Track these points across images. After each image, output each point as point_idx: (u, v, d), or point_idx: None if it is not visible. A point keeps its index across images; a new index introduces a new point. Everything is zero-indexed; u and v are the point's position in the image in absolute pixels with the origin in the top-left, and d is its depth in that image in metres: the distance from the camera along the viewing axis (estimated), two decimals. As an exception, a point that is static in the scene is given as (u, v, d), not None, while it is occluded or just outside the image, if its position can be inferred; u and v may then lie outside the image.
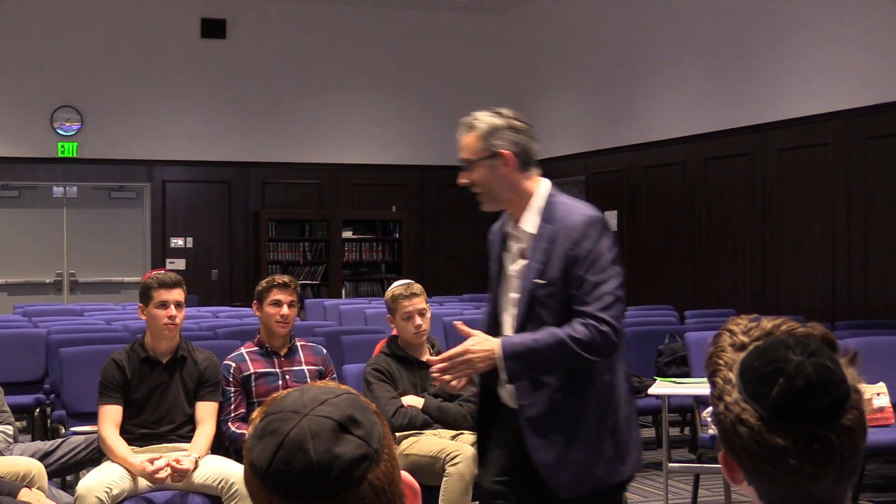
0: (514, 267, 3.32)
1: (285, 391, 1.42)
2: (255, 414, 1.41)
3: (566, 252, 3.17)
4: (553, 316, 3.18)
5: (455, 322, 3.32)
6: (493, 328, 3.37)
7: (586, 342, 3.10)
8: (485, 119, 3.30)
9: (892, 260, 8.94)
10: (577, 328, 3.11)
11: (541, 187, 3.32)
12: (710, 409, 1.42)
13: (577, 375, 3.20)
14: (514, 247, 3.34)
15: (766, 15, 10.35)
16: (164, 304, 4.69)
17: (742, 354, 1.46)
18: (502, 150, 3.26)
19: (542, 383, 3.22)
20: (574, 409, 3.20)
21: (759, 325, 1.49)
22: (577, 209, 3.25)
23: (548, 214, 3.26)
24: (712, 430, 5.59)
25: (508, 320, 3.32)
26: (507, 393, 3.33)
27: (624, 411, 3.24)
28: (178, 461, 4.37)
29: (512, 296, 3.32)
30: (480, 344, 3.17)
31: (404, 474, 1.42)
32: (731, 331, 1.51)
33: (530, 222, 3.28)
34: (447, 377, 3.22)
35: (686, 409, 7.64)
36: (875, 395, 5.71)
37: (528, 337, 3.16)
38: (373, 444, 1.35)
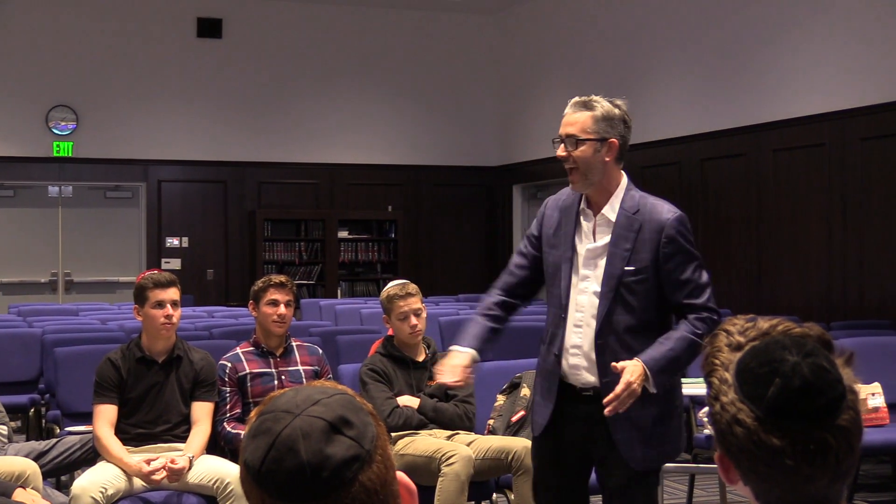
0: (590, 247, 3.51)
1: (281, 390, 1.42)
2: (252, 413, 1.42)
3: (659, 245, 3.42)
4: (639, 301, 3.43)
5: (613, 364, 3.38)
6: (566, 293, 3.53)
7: (703, 332, 3.33)
8: (603, 104, 3.47)
9: (887, 260, 8.95)
10: (696, 324, 3.38)
11: (623, 179, 3.54)
12: (706, 409, 1.44)
13: None
14: (586, 227, 3.54)
15: (761, 15, 10.35)
16: (160, 304, 4.68)
17: (738, 355, 1.46)
18: (612, 139, 3.46)
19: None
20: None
21: (756, 326, 1.49)
22: (664, 205, 3.49)
23: (629, 205, 3.48)
24: (708, 431, 5.60)
25: (584, 298, 3.50)
26: (574, 371, 3.53)
27: (680, 394, 3.60)
28: (173, 461, 4.37)
29: (585, 273, 3.51)
30: (634, 373, 3.30)
31: (400, 475, 1.42)
32: (727, 331, 1.51)
33: (613, 210, 3.49)
34: (617, 409, 3.31)
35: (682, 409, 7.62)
36: (870, 395, 5.72)
37: (664, 349, 3.37)
38: (365, 445, 1.34)
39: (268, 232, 14.11)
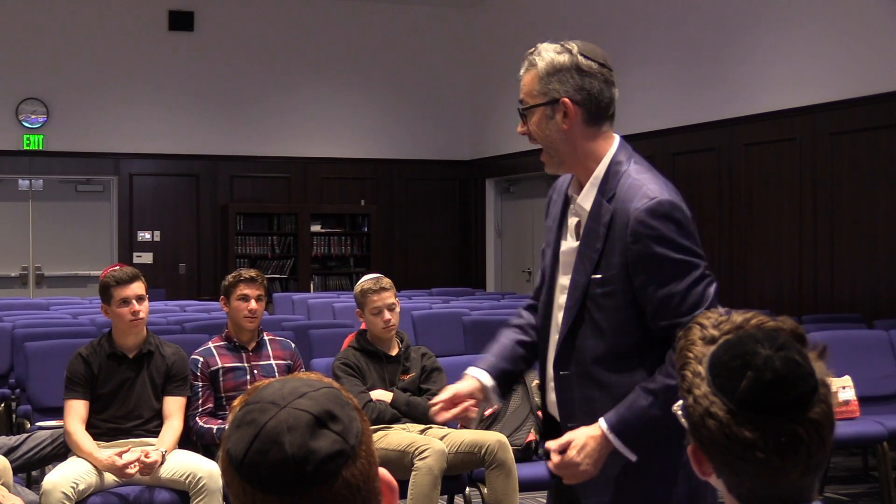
0: (567, 246, 2.66)
1: (267, 381, 1.41)
2: (236, 402, 1.41)
3: (626, 246, 2.50)
4: (608, 321, 2.54)
5: (547, 445, 2.58)
6: (547, 309, 2.71)
7: None
8: (547, 55, 2.60)
9: (857, 254, 9.01)
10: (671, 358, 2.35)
11: (609, 150, 2.62)
12: (680, 402, 1.39)
13: None
14: (572, 221, 2.68)
15: (733, 10, 10.39)
16: (125, 301, 4.65)
17: (712, 348, 1.47)
18: (563, 98, 2.57)
19: (596, 404, 2.57)
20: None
21: (730, 319, 1.50)
22: (643, 186, 2.51)
23: (606, 187, 2.57)
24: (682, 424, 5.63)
25: (559, 313, 2.65)
26: (553, 407, 2.71)
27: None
28: (146, 454, 4.35)
29: (561, 282, 2.67)
30: (580, 449, 2.49)
31: (382, 471, 1.41)
32: (701, 324, 1.51)
33: (588, 195, 2.61)
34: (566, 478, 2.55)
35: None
36: (840, 388, 5.76)
37: (630, 406, 2.48)
38: (350, 441, 1.34)
39: (240, 226, 14.06)
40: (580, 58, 2.58)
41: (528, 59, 2.65)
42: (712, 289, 2.52)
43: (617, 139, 2.65)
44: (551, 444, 2.54)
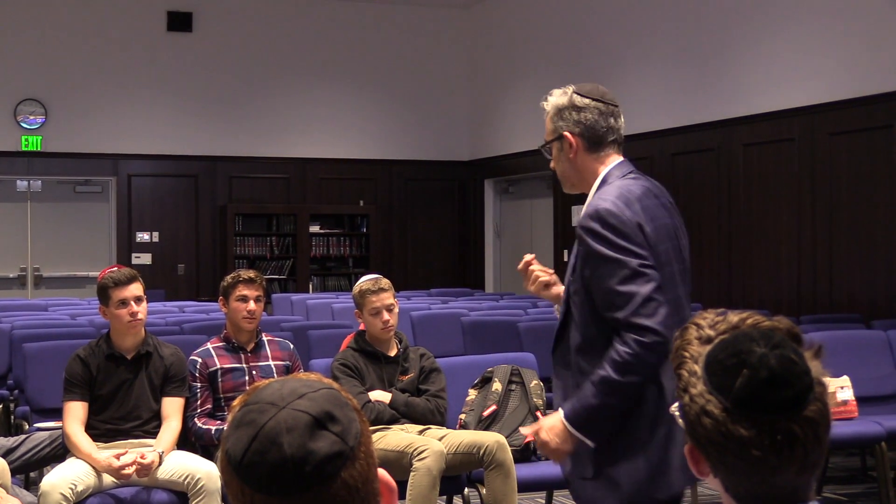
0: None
1: (267, 381, 1.41)
2: (235, 402, 1.41)
3: (582, 250, 2.89)
4: (580, 315, 2.90)
5: (520, 429, 3.06)
6: None
7: (626, 362, 2.75)
8: (552, 99, 3.07)
9: (856, 255, 9.01)
10: (612, 353, 2.77)
11: (602, 171, 3.02)
12: (676, 402, 1.43)
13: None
14: None
15: (733, 11, 10.40)
16: (123, 303, 4.64)
17: (708, 348, 1.47)
18: (565, 133, 3.02)
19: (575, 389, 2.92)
20: None
21: (726, 319, 1.50)
22: (602, 196, 2.91)
23: (589, 202, 2.98)
24: (679, 424, 5.63)
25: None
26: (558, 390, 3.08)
27: (663, 427, 2.82)
28: (142, 455, 4.35)
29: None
30: (546, 431, 2.88)
31: (381, 472, 1.41)
32: (697, 324, 1.52)
33: (584, 210, 3.00)
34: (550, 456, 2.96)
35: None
36: (839, 388, 5.77)
37: (579, 396, 2.84)
38: (349, 442, 1.33)
39: (239, 227, 14.06)
40: (575, 96, 3.02)
41: (542, 105, 3.09)
42: (648, 286, 2.78)
43: (616, 160, 3.03)
44: (525, 430, 3.03)
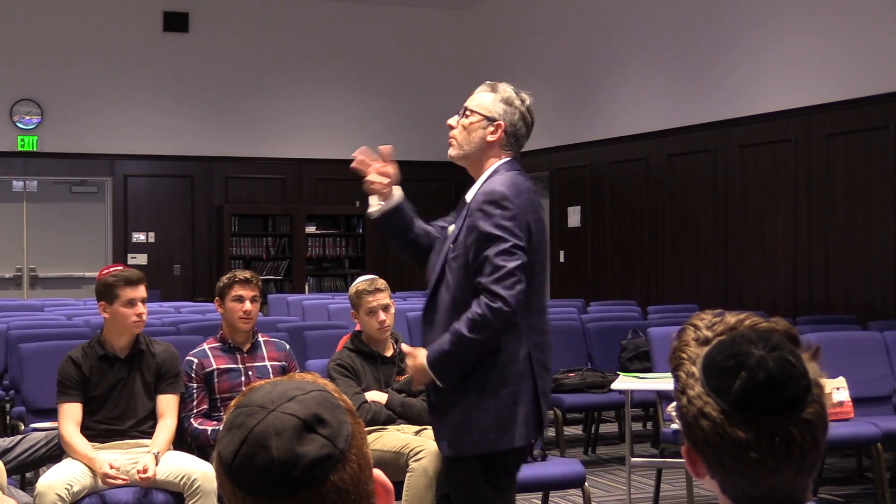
0: (450, 231, 3.55)
1: (260, 383, 1.41)
2: (232, 403, 1.41)
3: (470, 223, 3.37)
4: (454, 278, 3.41)
5: (402, 346, 3.57)
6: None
7: (476, 321, 3.26)
8: (507, 92, 3.50)
9: (852, 256, 9.03)
10: (470, 311, 3.28)
11: (497, 164, 3.50)
12: (674, 403, 1.45)
13: None
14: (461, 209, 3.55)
15: (729, 12, 10.41)
16: (131, 303, 4.64)
17: (706, 349, 1.47)
18: (500, 121, 3.47)
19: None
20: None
21: (723, 320, 1.50)
22: (496, 182, 3.41)
23: (480, 187, 3.47)
24: (675, 425, 5.63)
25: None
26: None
27: (510, 388, 3.36)
28: (145, 468, 4.34)
29: (439, 259, 3.54)
30: (415, 363, 3.43)
31: (377, 473, 1.41)
32: (695, 326, 1.51)
33: (472, 191, 3.51)
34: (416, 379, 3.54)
35: (649, 404, 7.67)
36: (835, 389, 5.77)
37: (439, 342, 3.36)
38: (339, 445, 1.33)
39: (235, 227, 14.05)
40: (525, 105, 3.51)
41: (491, 84, 3.54)
42: (514, 263, 3.28)
43: (509, 157, 3.52)
44: (406, 347, 3.57)
